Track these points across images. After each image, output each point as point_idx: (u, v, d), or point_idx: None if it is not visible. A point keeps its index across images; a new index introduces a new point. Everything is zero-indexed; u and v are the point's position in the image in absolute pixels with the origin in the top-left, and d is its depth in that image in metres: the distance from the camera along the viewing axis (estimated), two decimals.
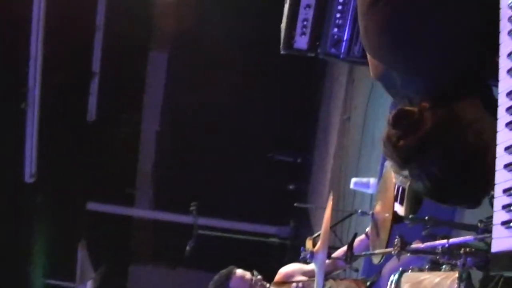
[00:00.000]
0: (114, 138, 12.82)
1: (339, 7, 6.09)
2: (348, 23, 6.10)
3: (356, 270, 5.70)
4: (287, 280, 4.60)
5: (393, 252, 2.93)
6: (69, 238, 12.14)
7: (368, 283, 4.40)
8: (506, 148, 1.84)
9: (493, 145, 1.93)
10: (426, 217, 3.00)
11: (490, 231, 1.91)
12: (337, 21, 6.12)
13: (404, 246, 2.87)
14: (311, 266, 4.30)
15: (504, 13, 1.95)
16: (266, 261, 11.47)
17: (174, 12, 12.51)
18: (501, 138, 1.89)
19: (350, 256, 3.53)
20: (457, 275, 2.74)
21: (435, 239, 2.94)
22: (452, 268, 2.84)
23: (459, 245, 2.72)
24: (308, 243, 4.14)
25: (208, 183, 12.71)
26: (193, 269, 12.87)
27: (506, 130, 1.87)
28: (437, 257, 2.81)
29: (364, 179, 6.51)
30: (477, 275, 2.80)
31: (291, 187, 12.95)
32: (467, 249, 2.64)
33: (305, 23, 6.27)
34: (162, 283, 14.13)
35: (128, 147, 13.41)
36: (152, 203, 13.96)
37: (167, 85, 13.19)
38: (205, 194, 11.59)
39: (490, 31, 2.01)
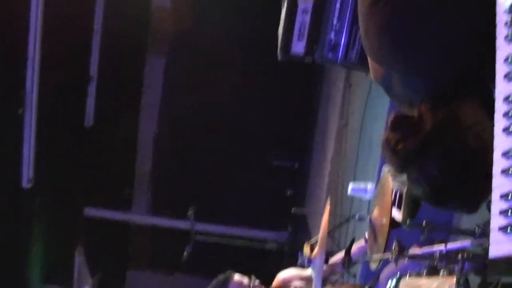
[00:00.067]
0: (111, 143, 12.80)
1: (336, 12, 6.11)
2: (345, 28, 6.11)
3: (354, 276, 5.70)
4: (285, 285, 4.60)
5: (390, 257, 2.93)
6: (66, 243, 12.11)
7: None
8: (503, 154, 1.85)
9: (492, 149, 1.93)
10: (424, 222, 3.00)
11: (487, 236, 1.91)
12: (334, 26, 6.13)
13: (401, 251, 2.87)
14: (309, 271, 4.30)
15: (501, 18, 1.95)
16: (264, 266, 11.46)
17: (171, 15, 12.52)
18: (498, 143, 1.89)
19: (347, 261, 3.54)
20: (455, 280, 2.74)
21: (432, 244, 2.94)
22: (450, 273, 2.84)
23: (456, 250, 2.72)
24: (306, 248, 4.15)
25: (206, 188, 12.71)
26: (191, 275, 12.85)
27: (503, 135, 1.87)
28: (435, 262, 2.81)
29: (362, 184, 6.51)
30: (475, 280, 2.80)
31: (288, 192, 12.94)
32: (465, 254, 2.64)
33: (302, 28, 6.28)
34: None
35: (126, 151, 13.40)
36: (150, 208, 13.95)
37: (165, 88, 13.18)
38: (202, 199, 11.59)
39: (490, 31, 2.01)
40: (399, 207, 3.72)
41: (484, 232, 2.66)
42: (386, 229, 3.18)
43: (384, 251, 3.18)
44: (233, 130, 12.60)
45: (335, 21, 6.12)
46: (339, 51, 6.18)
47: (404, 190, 3.60)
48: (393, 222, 3.17)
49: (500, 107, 1.90)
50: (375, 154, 6.37)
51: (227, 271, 4.63)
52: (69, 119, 11.57)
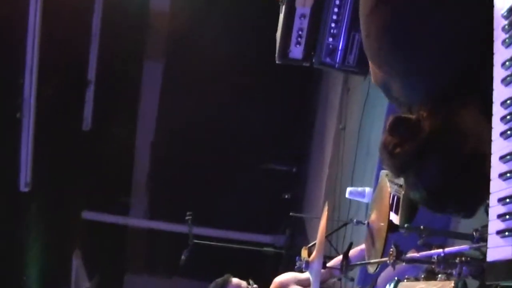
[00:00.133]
0: (109, 147, 12.80)
1: (334, 17, 6.13)
2: (342, 32, 6.13)
3: (352, 280, 5.69)
4: None
5: (388, 261, 2.93)
6: (63, 247, 12.11)
7: None
8: (501, 158, 1.85)
9: (490, 154, 1.93)
10: (421, 226, 3.00)
11: (485, 240, 1.91)
12: (332, 30, 6.15)
13: (399, 255, 2.87)
14: (306, 275, 4.29)
15: (498, 22, 1.96)
16: (262, 270, 11.47)
17: (170, 20, 12.53)
18: (496, 147, 1.90)
19: (345, 265, 3.53)
20: (452, 284, 2.74)
21: (430, 248, 2.94)
22: (448, 277, 2.84)
23: (454, 254, 2.72)
24: (304, 252, 4.15)
25: (204, 192, 12.70)
26: (189, 279, 12.85)
27: (501, 139, 1.87)
28: (433, 266, 2.81)
29: (360, 188, 6.51)
30: (473, 284, 2.80)
31: (286, 196, 12.94)
32: (463, 258, 2.64)
33: (300, 33, 6.29)
34: None
35: (124, 156, 13.40)
36: (147, 212, 13.94)
37: (163, 92, 13.19)
38: (200, 203, 11.58)
39: (490, 31, 2.02)
40: (396, 211, 3.72)
41: (482, 236, 2.66)
42: (383, 233, 3.18)
43: (382, 255, 3.18)
44: (231, 135, 12.60)
45: (332, 26, 6.14)
46: (337, 55, 6.20)
47: (402, 195, 3.61)
48: (390, 226, 3.17)
49: (497, 111, 1.90)
50: (373, 158, 6.37)
51: (225, 275, 4.64)
52: (67, 123, 11.57)
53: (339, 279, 4.82)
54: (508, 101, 1.85)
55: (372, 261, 3.34)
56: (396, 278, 3.18)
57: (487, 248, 1.86)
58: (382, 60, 2.56)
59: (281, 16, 6.42)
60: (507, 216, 1.79)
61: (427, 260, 2.85)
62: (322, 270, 3.79)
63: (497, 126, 1.90)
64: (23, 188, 10.34)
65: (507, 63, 1.88)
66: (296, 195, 12.69)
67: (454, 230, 3.82)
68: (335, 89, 9.37)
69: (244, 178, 12.70)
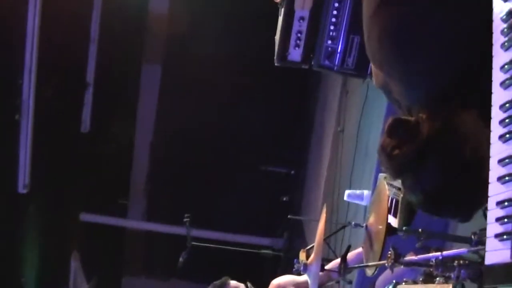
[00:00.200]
0: (107, 149, 12.81)
1: (333, 20, 6.12)
2: (341, 35, 6.12)
3: (350, 282, 5.69)
4: None
5: (386, 264, 2.92)
6: (62, 249, 12.11)
7: None
8: (499, 161, 1.85)
9: (489, 158, 1.93)
10: (420, 229, 3.00)
11: (483, 244, 1.91)
12: (330, 33, 6.14)
13: (397, 258, 2.87)
14: (304, 278, 4.29)
15: (497, 25, 1.96)
16: (260, 272, 11.47)
17: (167, 24, 12.54)
18: (495, 150, 1.90)
19: (343, 268, 3.53)
20: (450, 287, 2.73)
21: (428, 251, 2.93)
22: (446, 280, 2.84)
23: (452, 257, 2.71)
24: (302, 255, 4.14)
25: (202, 194, 12.70)
26: (187, 281, 12.85)
27: (499, 142, 1.87)
28: (431, 269, 2.81)
29: (358, 191, 6.51)
30: None
31: (284, 199, 12.94)
32: (461, 262, 2.64)
33: (299, 35, 6.29)
34: None
35: (122, 158, 13.41)
36: (145, 214, 13.94)
37: (161, 96, 13.20)
38: (198, 206, 11.58)
39: (490, 32, 2.02)
40: (395, 214, 3.72)
41: (480, 239, 2.66)
42: (382, 236, 3.18)
43: (380, 258, 3.18)
44: (229, 137, 12.60)
45: (331, 28, 6.13)
46: (335, 58, 6.19)
47: (400, 197, 3.61)
48: (389, 229, 3.17)
49: (496, 114, 1.90)
50: (371, 161, 6.37)
51: (223, 278, 4.63)
52: (66, 125, 11.57)
53: (337, 282, 4.82)
54: (507, 105, 1.85)
55: (370, 264, 3.34)
56: (394, 281, 3.17)
57: (485, 251, 1.86)
58: (383, 61, 2.56)
59: (280, 18, 6.41)
60: (506, 220, 1.79)
61: (425, 263, 2.84)
62: (320, 273, 3.79)
63: (496, 129, 1.90)
64: (22, 189, 10.33)
65: (506, 66, 1.88)
66: (294, 197, 12.69)
67: (453, 233, 3.82)
68: (334, 92, 9.37)
69: (243, 180, 12.70)
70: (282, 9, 6.38)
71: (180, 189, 12.95)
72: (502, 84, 1.88)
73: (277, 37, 6.45)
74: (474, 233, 2.68)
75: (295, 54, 6.36)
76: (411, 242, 3.07)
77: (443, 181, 2.43)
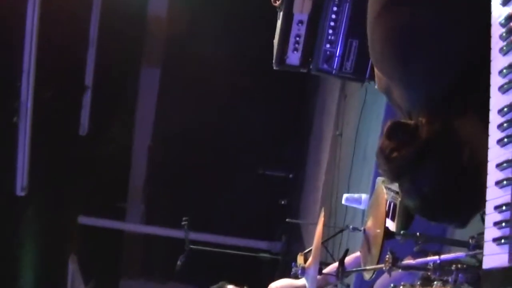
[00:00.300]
0: (106, 152, 12.80)
1: (331, 23, 6.13)
2: (340, 39, 6.13)
3: (348, 286, 5.68)
4: None
5: (384, 268, 2.92)
6: (59, 251, 12.09)
7: None
8: (497, 165, 1.85)
9: (487, 163, 1.93)
10: (418, 233, 3.00)
11: (481, 248, 1.91)
12: (329, 37, 6.15)
13: (395, 262, 2.87)
14: (302, 281, 4.29)
15: (495, 30, 1.96)
16: (258, 276, 11.46)
17: (166, 26, 12.54)
18: (493, 155, 1.90)
19: (341, 271, 3.53)
20: None
21: (426, 255, 2.94)
22: (444, 284, 2.84)
23: (450, 261, 2.72)
24: (300, 259, 4.14)
25: (200, 197, 12.69)
26: (185, 284, 12.84)
27: (497, 147, 1.87)
28: (429, 273, 2.81)
29: (356, 195, 6.51)
30: None
31: (283, 202, 12.93)
32: (459, 266, 2.64)
33: (297, 39, 6.29)
34: None
35: (120, 161, 13.40)
36: (144, 217, 13.93)
37: (159, 99, 13.20)
38: (197, 209, 11.58)
39: (489, 39, 2.02)
40: (393, 218, 3.72)
41: (478, 244, 2.66)
42: (380, 239, 3.18)
43: (378, 262, 3.18)
44: (227, 140, 12.60)
45: (330, 32, 6.14)
46: (334, 62, 6.19)
47: (398, 201, 3.61)
48: (387, 233, 3.17)
49: (494, 118, 1.91)
50: (369, 165, 6.37)
51: (220, 282, 4.63)
52: (64, 127, 11.56)
53: (335, 286, 4.82)
54: (505, 109, 1.85)
55: (368, 267, 3.34)
56: (392, 285, 3.17)
57: (483, 255, 1.86)
58: (385, 63, 2.56)
59: (279, 22, 6.42)
60: (503, 224, 1.79)
61: (423, 267, 2.84)
62: (318, 277, 3.79)
63: (494, 134, 1.90)
64: (20, 192, 10.32)
65: (504, 70, 1.88)
66: (292, 201, 12.68)
67: (451, 237, 3.82)
68: (332, 96, 9.38)
69: (241, 184, 12.70)
70: (281, 13, 6.38)
71: (178, 192, 12.94)
72: (500, 88, 1.89)
73: (276, 41, 6.46)
74: (472, 237, 2.68)
75: (294, 57, 6.37)
76: (409, 246, 3.07)
77: (441, 184, 2.43)
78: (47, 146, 10.74)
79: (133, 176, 13.79)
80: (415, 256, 3.04)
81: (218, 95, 12.17)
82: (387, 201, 3.48)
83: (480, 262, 1.88)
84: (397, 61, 2.48)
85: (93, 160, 12.51)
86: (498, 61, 1.93)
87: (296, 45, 6.32)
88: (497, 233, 1.81)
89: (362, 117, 7.11)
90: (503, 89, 1.88)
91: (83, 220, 12.98)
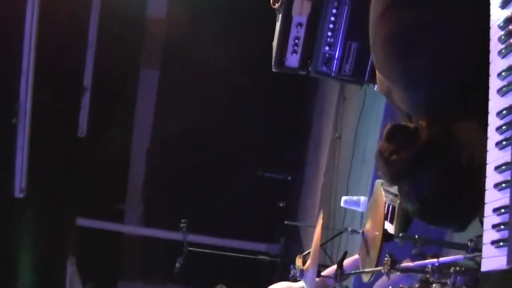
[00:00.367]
0: (104, 154, 12.79)
1: (331, 26, 6.13)
2: (339, 41, 6.13)
3: None
4: None
5: (383, 271, 2.92)
6: (58, 253, 12.08)
7: None
8: (496, 168, 1.85)
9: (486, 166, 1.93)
10: (416, 236, 3.00)
11: (480, 250, 1.91)
12: (328, 39, 6.15)
13: (394, 264, 2.87)
14: (300, 284, 4.29)
15: (494, 32, 1.96)
16: (256, 278, 11.46)
17: (165, 28, 12.54)
18: (491, 157, 1.90)
19: (340, 274, 3.53)
20: None
21: (425, 258, 2.94)
22: (442, 287, 2.84)
23: (449, 264, 2.72)
24: (298, 261, 4.14)
25: (199, 200, 12.69)
26: (183, 286, 12.84)
27: (496, 149, 1.87)
28: (427, 276, 2.81)
29: (355, 197, 6.51)
30: None
31: (281, 204, 12.93)
32: (457, 268, 2.64)
33: (296, 41, 6.29)
34: None
35: (119, 163, 13.39)
36: (142, 219, 13.92)
37: (158, 101, 13.19)
38: (195, 211, 11.58)
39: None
40: (391, 220, 3.72)
41: (476, 246, 2.66)
42: (378, 242, 3.18)
43: (377, 264, 3.18)
44: (226, 142, 12.60)
45: (329, 35, 6.14)
46: (333, 64, 6.19)
47: (397, 204, 3.61)
48: (385, 235, 3.17)
49: (493, 121, 1.91)
50: (368, 167, 6.38)
51: (218, 285, 4.63)
52: (63, 129, 11.56)
53: None
54: (504, 112, 1.86)
55: (366, 270, 3.34)
56: (390, 287, 3.17)
57: (481, 258, 1.86)
58: (386, 65, 2.56)
59: (278, 24, 6.42)
60: (502, 226, 1.79)
61: (422, 269, 2.85)
62: (317, 279, 3.79)
63: (493, 136, 1.90)
64: (18, 194, 10.31)
65: (503, 73, 1.88)
66: (291, 203, 12.68)
67: (449, 240, 3.83)
68: (331, 98, 9.38)
69: (240, 186, 12.69)
70: (280, 15, 6.38)
71: (177, 194, 12.94)
72: (499, 91, 1.89)
73: (275, 43, 6.46)
74: (471, 240, 2.68)
75: (293, 60, 6.36)
76: (408, 248, 3.07)
77: (440, 188, 2.43)
78: (46, 148, 10.73)
79: (131, 177, 13.78)
80: (414, 258, 3.04)
81: (216, 96, 12.17)
82: (385, 203, 3.49)
83: (479, 264, 1.88)
84: (398, 62, 2.48)
85: (92, 162, 12.51)
86: (497, 64, 1.93)
87: (295, 47, 6.32)
88: (495, 235, 1.81)
89: (361, 120, 7.11)
90: (502, 92, 1.88)
91: (82, 222, 12.97)
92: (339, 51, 6.16)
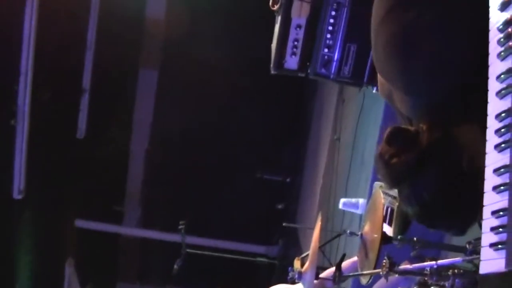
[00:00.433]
0: (103, 155, 12.78)
1: (330, 28, 6.13)
2: (338, 43, 6.13)
3: None
4: None
5: (381, 273, 2.92)
6: (56, 254, 12.07)
7: None
8: (495, 170, 1.85)
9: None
10: (415, 238, 3.00)
11: (478, 253, 1.91)
12: (327, 41, 6.15)
13: (392, 266, 2.86)
14: (298, 286, 4.29)
15: (493, 35, 1.96)
16: (254, 280, 11.45)
17: (164, 29, 12.54)
18: (490, 160, 1.90)
19: (338, 276, 3.53)
20: None
21: (423, 260, 2.93)
22: None
23: (447, 267, 2.72)
24: (296, 263, 4.14)
25: (197, 201, 12.68)
26: None
27: (495, 152, 1.87)
28: (426, 278, 2.81)
29: (353, 200, 6.51)
30: None
31: (280, 206, 12.93)
32: (456, 271, 2.64)
33: (295, 43, 6.29)
34: None
35: (118, 164, 13.38)
36: (140, 221, 13.91)
37: (157, 102, 13.19)
38: (194, 213, 11.56)
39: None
40: (390, 223, 3.72)
41: (475, 249, 2.66)
42: (377, 244, 3.18)
43: (375, 267, 3.18)
44: (225, 144, 12.59)
45: (328, 37, 6.14)
46: (332, 66, 6.19)
47: (395, 206, 3.61)
48: (384, 238, 3.17)
49: (492, 124, 1.90)
50: (367, 169, 6.38)
51: (216, 287, 4.63)
52: (61, 130, 11.55)
53: None
54: (503, 114, 1.85)
55: (365, 272, 3.34)
56: None
57: (480, 260, 1.85)
58: (386, 67, 2.56)
59: (277, 26, 6.42)
60: (500, 229, 1.78)
61: (420, 272, 2.84)
62: (315, 281, 3.78)
63: (492, 139, 1.90)
64: (17, 195, 10.31)
65: (502, 76, 1.88)
66: (290, 205, 12.68)
67: (448, 243, 3.82)
68: (330, 100, 9.39)
69: (238, 187, 12.69)
70: (279, 17, 6.38)
71: (175, 195, 12.93)
72: (498, 93, 1.88)
73: (274, 45, 6.46)
74: (469, 243, 2.68)
75: (292, 62, 6.36)
76: (406, 251, 3.07)
77: (441, 191, 2.43)
78: (45, 149, 10.73)
79: (130, 179, 13.78)
80: (412, 261, 3.04)
81: (215, 98, 12.16)
82: (384, 206, 3.49)
83: (477, 267, 1.88)
84: (398, 62, 2.48)
85: (91, 163, 12.50)
86: (496, 66, 1.93)
87: (294, 49, 6.32)
88: (494, 238, 1.81)
89: (360, 122, 7.11)
90: (500, 95, 1.88)
91: (80, 223, 12.96)
92: (338, 53, 6.16)
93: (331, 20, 6.12)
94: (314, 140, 11.00)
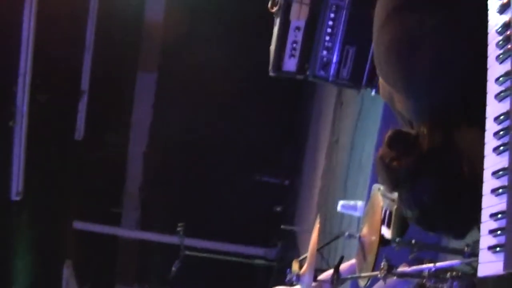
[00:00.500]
0: (101, 157, 12.78)
1: (328, 30, 6.12)
2: (337, 46, 6.12)
3: None
4: None
5: (379, 275, 2.92)
6: (54, 256, 12.06)
7: None
8: (493, 173, 1.85)
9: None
10: (413, 241, 3.00)
11: (476, 255, 1.90)
12: (326, 44, 6.15)
13: (390, 269, 2.86)
14: None
15: (492, 38, 1.96)
16: (253, 282, 11.45)
17: (163, 32, 12.53)
18: (489, 163, 1.90)
19: (336, 278, 3.52)
20: None
21: (421, 263, 2.93)
22: None
23: (445, 269, 2.71)
24: (295, 265, 4.14)
25: (195, 204, 12.67)
26: None
27: (493, 155, 1.87)
28: (424, 281, 2.80)
29: (352, 202, 6.51)
30: None
31: (278, 209, 12.93)
32: (454, 273, 2.64)
33: (294, 45, 6.29)
34: None
35: (116, 166, 13.37)
36: (139, 223, 13.90)
37: (155, 104, 13.19)
38: (192, 215, 11.55)
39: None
40: (388, 225, 3.72)
41: (473, 251, 2.66)
42: (375, 247, 3.18)
43: (373, 269, 3.17)
44: (223, 147, 12.59)
45: (327, 39, 6.14)
46: (330, 69, 6.19)
47: (394, 209, 3.61)
48: (382, 240, 3.17)
49: (490, 126, 1.90)
50: (365, 172, 6.37)
51: None
52: (60, 132, 11.55)
53: None
54: (501, 117, 1.85)
55: (363, 274, 3.33)
56: None
57: (478, 263, 1.85)
58: (388, 70, 2.56)
59: (275, 28, 6.41)
60: (499, 232, 1.78)
61: (418, 274, 2.84)
62: (313, 283, 3.78)
63: (490, 142, 1.90)
64: (14, 197, 10.30)
65: (501, 78, 1.88)
66: (288, 207, 12.68)
67: (446, 245, 3.82)
68: (329, 103, 9.38)
69: (236, 190, 12.68)
70: (278, 19, 6.37)
71: (174, 198, 12.92)
72: (497, 96, 1.89)
73: (272, 47, 6.45)
74: (467, 245, 2.68)
75: (290, 64, 6.36)
76: (404, 253, 3.07)
77: (441, 194, 2.43)
78: (43, 151, 10.72)
79: (128, 181, 13.77)
80: (410, 263, 3.04)
81: (214, 100, 12.16)
82: (382, 208, 3.48)
83: (475, 270, 1.88)
84: (400, 65, 2.48)
85: (89, 165, 12.49)
86: (494, 69, 1.93)
87: (293, 52, 6.31)
88: (492, 241, 1.81)
89: (358, 124, 7.11)
90: (499, 97, 1.88)
91: (78, 225, 12.94)
92: (336, 56, 6.16)
93: (330, 23, 6.12)
94: (313, 142, 10.99)
